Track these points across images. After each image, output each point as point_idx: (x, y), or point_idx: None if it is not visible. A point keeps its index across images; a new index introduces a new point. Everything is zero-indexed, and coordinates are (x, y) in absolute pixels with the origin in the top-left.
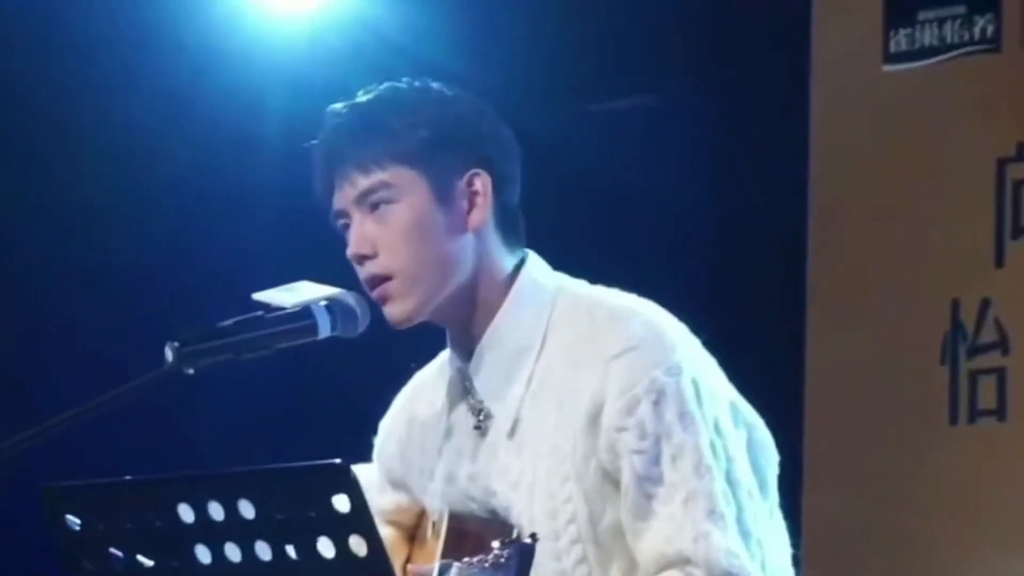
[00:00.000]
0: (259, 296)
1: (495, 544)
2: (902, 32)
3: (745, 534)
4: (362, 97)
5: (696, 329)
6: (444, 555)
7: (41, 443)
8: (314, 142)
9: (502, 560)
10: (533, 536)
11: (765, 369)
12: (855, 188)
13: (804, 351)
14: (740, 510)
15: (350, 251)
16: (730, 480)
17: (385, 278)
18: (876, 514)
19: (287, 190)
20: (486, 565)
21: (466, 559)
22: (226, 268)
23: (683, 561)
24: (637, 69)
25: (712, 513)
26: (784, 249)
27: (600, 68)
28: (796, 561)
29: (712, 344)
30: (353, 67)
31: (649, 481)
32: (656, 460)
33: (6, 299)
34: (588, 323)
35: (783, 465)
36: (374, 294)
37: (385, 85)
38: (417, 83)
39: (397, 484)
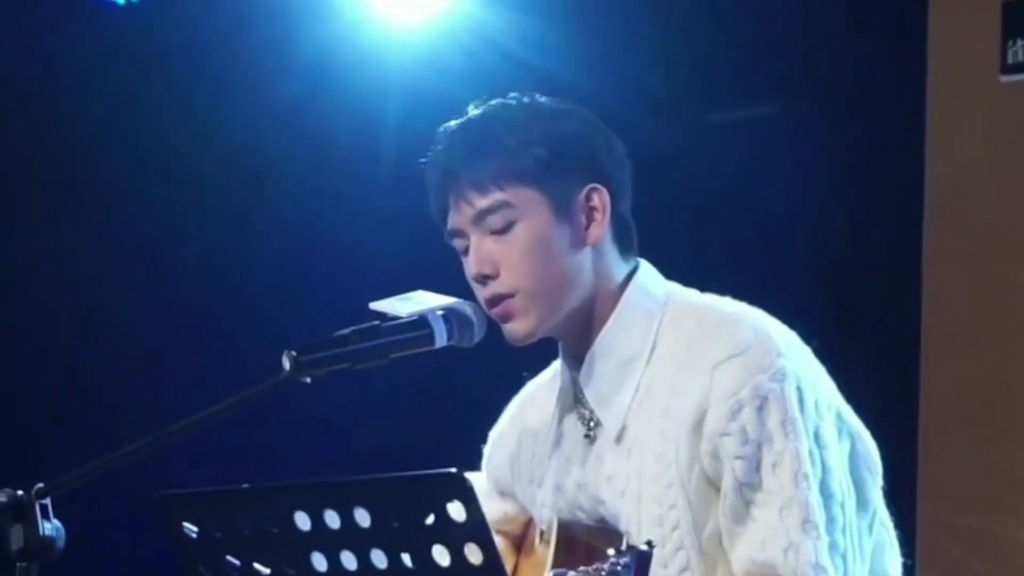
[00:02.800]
0: (376, 305)
1: (611, 552)
2: (1020, 42)
3: (833, 546)
4: (473, 112)
5: (810, 337)
6: (555, 564)
7: (158, 449)
8: (425, 161)
9: (619, 568)
10: (650, 543)
11: (880, 376)
12: (971, 198)
13: (918, 356)
14: (831, 521)
15: (471, 272)
16: (824, 491)
17: (508, 296)
18: (989, 525)
19: (404, 199)
20: (603, 573)
21: (581, 568)
22: (343, 277)
23: (772, 573)
24: (755, 80)
25: (806, 523)
26: (900, 258)
27: (719, 78)
28: (908, 570)
29: (827, 352)
30: (468, 77)
31: (749, 487)
32: (757, 467)
33: (128, 310)
34: (696, 329)
35: (897, 472)
36: (496, 312)
37: (495, 102)
38: (526, 99)
39: (505, 493)
